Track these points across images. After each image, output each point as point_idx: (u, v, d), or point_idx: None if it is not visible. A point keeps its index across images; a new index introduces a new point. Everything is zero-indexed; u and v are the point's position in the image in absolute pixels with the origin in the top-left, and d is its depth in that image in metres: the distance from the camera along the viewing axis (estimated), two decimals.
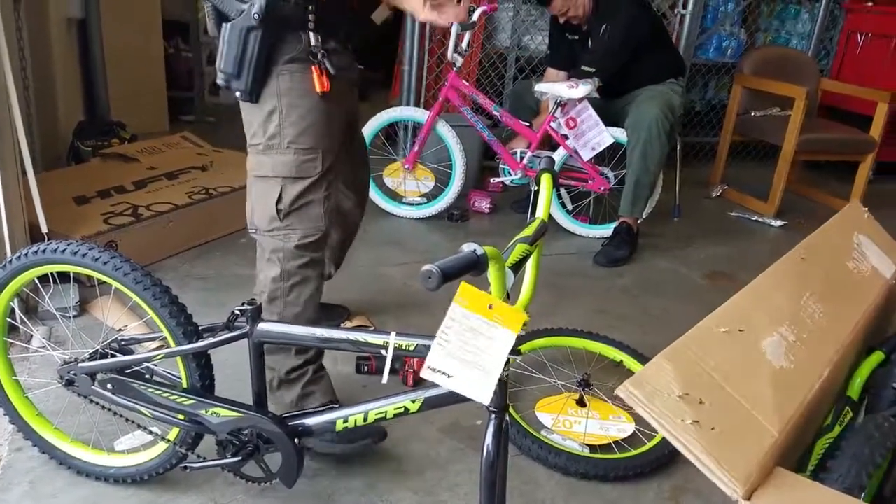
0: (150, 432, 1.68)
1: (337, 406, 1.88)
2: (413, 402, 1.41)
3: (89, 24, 4.25)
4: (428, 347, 1.34)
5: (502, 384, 1.29)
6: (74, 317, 2.43)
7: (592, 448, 2.05)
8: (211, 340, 1.53)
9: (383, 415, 1.44)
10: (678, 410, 1.12)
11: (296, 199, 1.79)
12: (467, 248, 1.07)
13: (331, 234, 2.35)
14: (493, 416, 1.30)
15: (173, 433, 1.68)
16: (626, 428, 2.11)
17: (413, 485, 1.89)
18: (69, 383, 1.64)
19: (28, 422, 1.80)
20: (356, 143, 2.17)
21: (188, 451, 1.66)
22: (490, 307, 1.13)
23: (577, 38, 3.59)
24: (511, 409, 2.11)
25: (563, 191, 3.74)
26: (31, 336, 2.18)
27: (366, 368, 2.32)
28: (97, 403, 1.67)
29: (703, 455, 1.06)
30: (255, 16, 1.61)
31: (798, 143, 4.12)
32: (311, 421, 1.53)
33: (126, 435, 1.88)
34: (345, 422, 1.47)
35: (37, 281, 1.86)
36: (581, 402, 2.21)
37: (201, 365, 1.59)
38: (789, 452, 1.22)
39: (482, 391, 1.17)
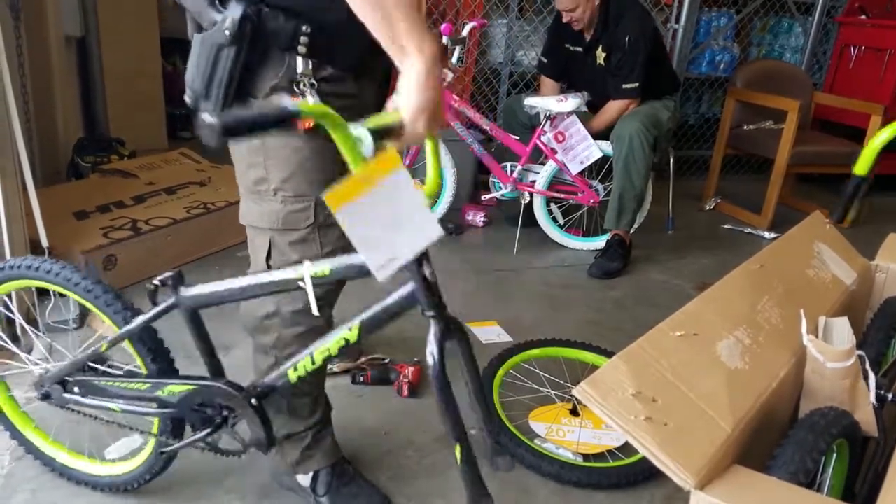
0: (132, 428, 1.69)
1: (347, 465, 1.85)
2: (350, 330, 1.38)
3: (88, 42, 4.32)
4: (345, 266, 1.33)
5: (428, 283, 1.28)
6: (75, 329, 2.45)
7: (586, 457, 2.07)
8: (141, 318, 1.51)
9: (327, 352, 1.40)
10: (631, 408, 1.15)
11: (288, 256, 1.57)
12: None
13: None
14: (432, 321, 1.29)
15: (154, 426, 1.68)
16: (619, 437, 2.12)
17: (408, 491, 1.91)
18: (46, 396, 1.66)
19: (26, 435, 1.83)
20: None
21: (172, 442, 1.65)
22: (352, 178, 1.07)
23: (579, 49, 3.61)
24: (504, 418, 2.14)
25: (553, 205, 3.78)
26: (32, 349, 2.20)
27: (361, 379, 2.34)
28: (75, 411, 1.68)
29: (655, 449, 1.09)
30: (226, 32, 1.33)
31: (791, 155, 4.15)
32: (264, 379, 1.51)
33: (116, 442, 1.90)
34: (295, 370, 1.45)
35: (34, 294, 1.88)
36: (574, 412, 2.23)
37: (151, 349, 1.58)
38: (750, 451, 1.25)
39: (429, 231, 1.15)
